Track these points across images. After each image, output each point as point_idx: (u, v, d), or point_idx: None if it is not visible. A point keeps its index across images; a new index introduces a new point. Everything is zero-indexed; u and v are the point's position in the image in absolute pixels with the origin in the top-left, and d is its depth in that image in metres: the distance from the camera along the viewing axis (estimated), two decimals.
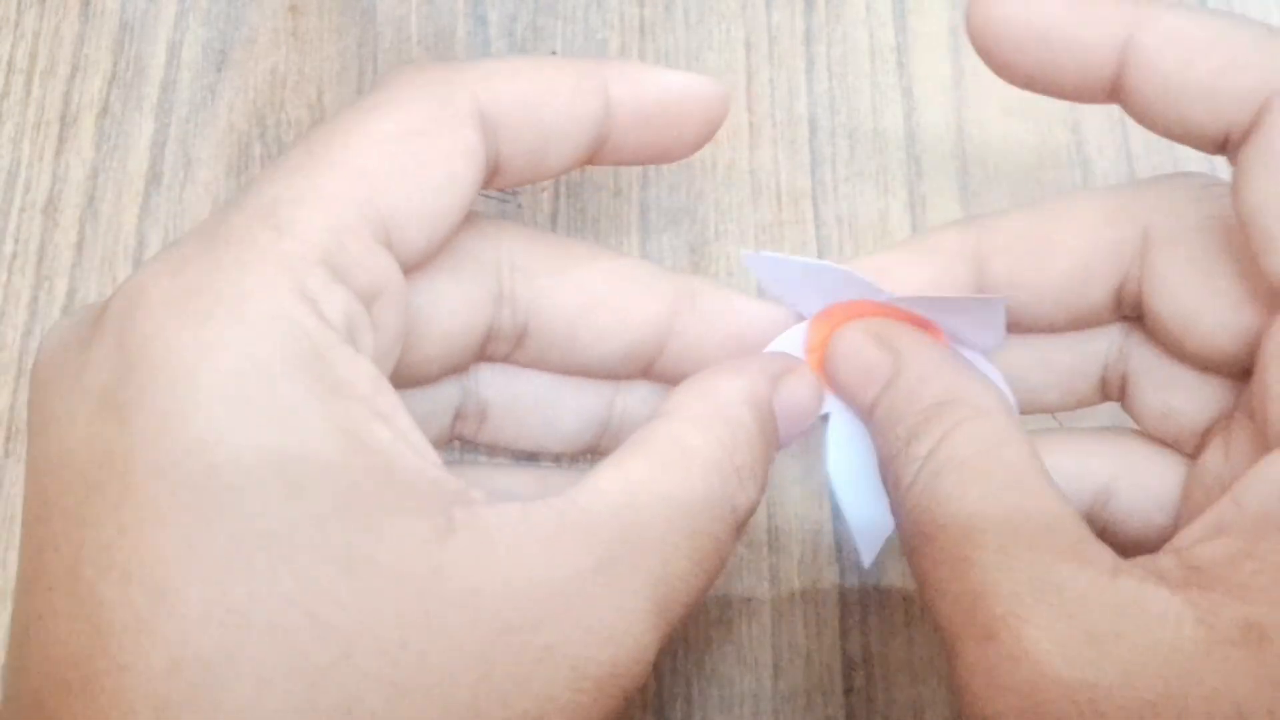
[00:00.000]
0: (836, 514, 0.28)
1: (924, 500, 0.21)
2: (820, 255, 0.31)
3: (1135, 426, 0.25)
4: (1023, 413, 0.25)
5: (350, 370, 0.19)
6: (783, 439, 0.24)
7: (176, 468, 0.18)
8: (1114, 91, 0.22)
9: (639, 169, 0.32)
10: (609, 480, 0.20)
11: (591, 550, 0.19)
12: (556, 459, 0.28)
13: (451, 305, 0.23)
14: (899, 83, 0.32)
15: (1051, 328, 0.25)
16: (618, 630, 0.19)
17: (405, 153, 0.21)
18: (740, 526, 0.22)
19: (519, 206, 0.31)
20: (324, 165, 0.20)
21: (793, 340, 0.25)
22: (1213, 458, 0.23)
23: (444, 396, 0.25)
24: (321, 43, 0.33)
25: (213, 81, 0.33)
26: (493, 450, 0.27)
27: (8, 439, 0.29)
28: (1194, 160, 0.32)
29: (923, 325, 0.25)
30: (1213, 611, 0.18)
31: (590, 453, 0.26)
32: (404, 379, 0.22)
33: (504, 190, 0.31)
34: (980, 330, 0.25)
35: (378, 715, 0.17)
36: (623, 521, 0.20)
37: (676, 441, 0.21)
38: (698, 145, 0.25)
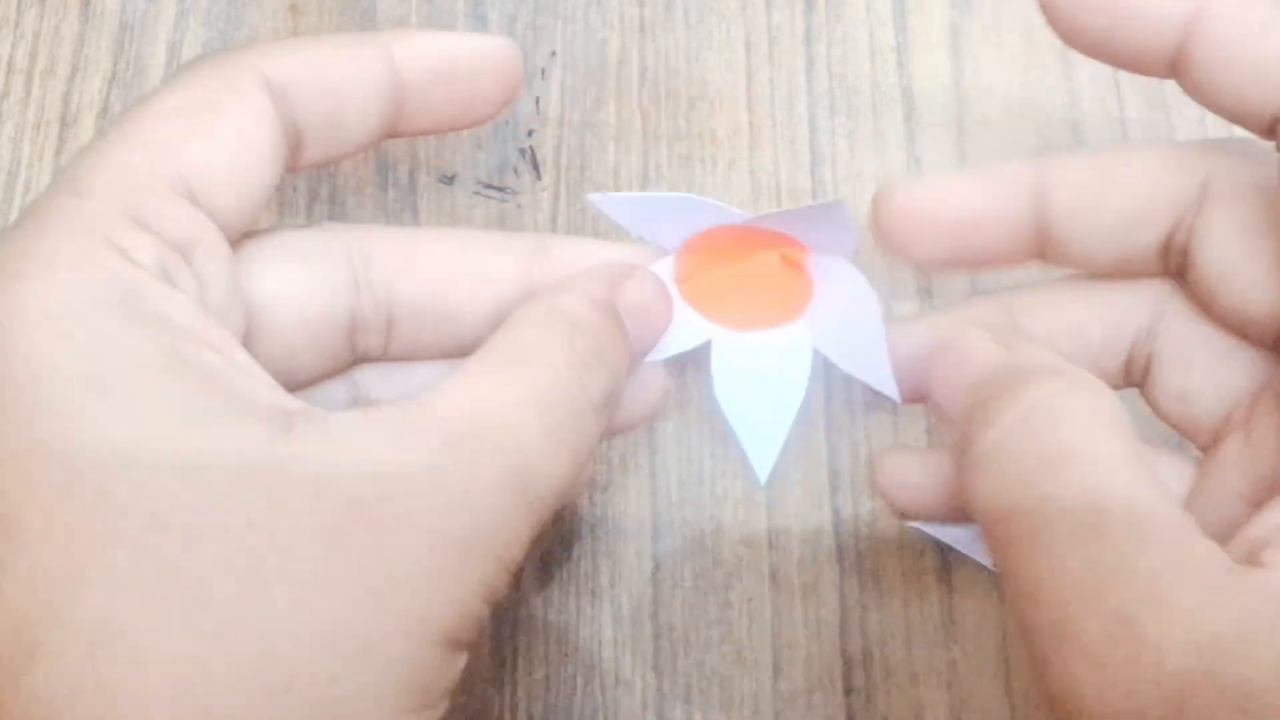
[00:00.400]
0: (730, 434, 0.27)
1: (1035, 480, 0.20)
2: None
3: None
4: None
5: (167, 304, 0.20)
6: (636, 338, 0.24)
7: (1, 410, 0.18)
8: (1174, 65, 0.22)
9: (639, 169, 0.32)
10: (452, 383, 0.21)
11: (438, 434, 0.20)
12: None
13: (305, 291, 0.23)
14: (899, 82, 0.32)
15: (1099, 267, 0.25)
16: (473, 497, 0.19)
17: (195, 119, 0.22)
18: (601, 409, 0.22)
19: (518, 206, 0.31)
20: (118, 139, 0.21)
21: (661, 274, 0.26)
22: (1231, 448, 0.23)
23: (332, 401, 0.25)
24: None
25: None
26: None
27: None
28: None
29: (783, 241, 0.26)
30: None
31: None
32: (282, 379, 0.23)
33: (503, 190, 0.31)
34: (836, 236, 0.26)
35: (232, 598, 0.17)
36: (469, 407, 0.20)
37: (514, 341, 0.22)
38: (497, 104, 0.25)
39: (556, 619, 0.28)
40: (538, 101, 0.32)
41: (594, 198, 0.26)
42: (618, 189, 0.31)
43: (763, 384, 0.26)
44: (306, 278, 0.24)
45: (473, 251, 0.25)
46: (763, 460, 0.26)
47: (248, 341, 0.22)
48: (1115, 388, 0.25)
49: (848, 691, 0.27)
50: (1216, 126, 0.32)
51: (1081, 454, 0.20)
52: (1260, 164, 0.23)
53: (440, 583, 0.19)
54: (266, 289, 0.23)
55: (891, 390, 0.25)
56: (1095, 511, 0.19)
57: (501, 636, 0.28)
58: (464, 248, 0.25)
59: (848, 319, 0.26)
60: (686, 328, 0.26)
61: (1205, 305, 0.24)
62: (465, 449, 0.20)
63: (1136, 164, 0.24)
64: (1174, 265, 0.24)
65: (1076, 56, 0.33)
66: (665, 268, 0.27)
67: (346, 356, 0.25)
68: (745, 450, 0.26)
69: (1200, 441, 0.24)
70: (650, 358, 0.26)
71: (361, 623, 0.18)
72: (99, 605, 0.17)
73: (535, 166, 0.32)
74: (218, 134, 0.22)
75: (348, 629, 0.18)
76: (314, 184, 0.32)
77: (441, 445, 0.19)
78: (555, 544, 0.28)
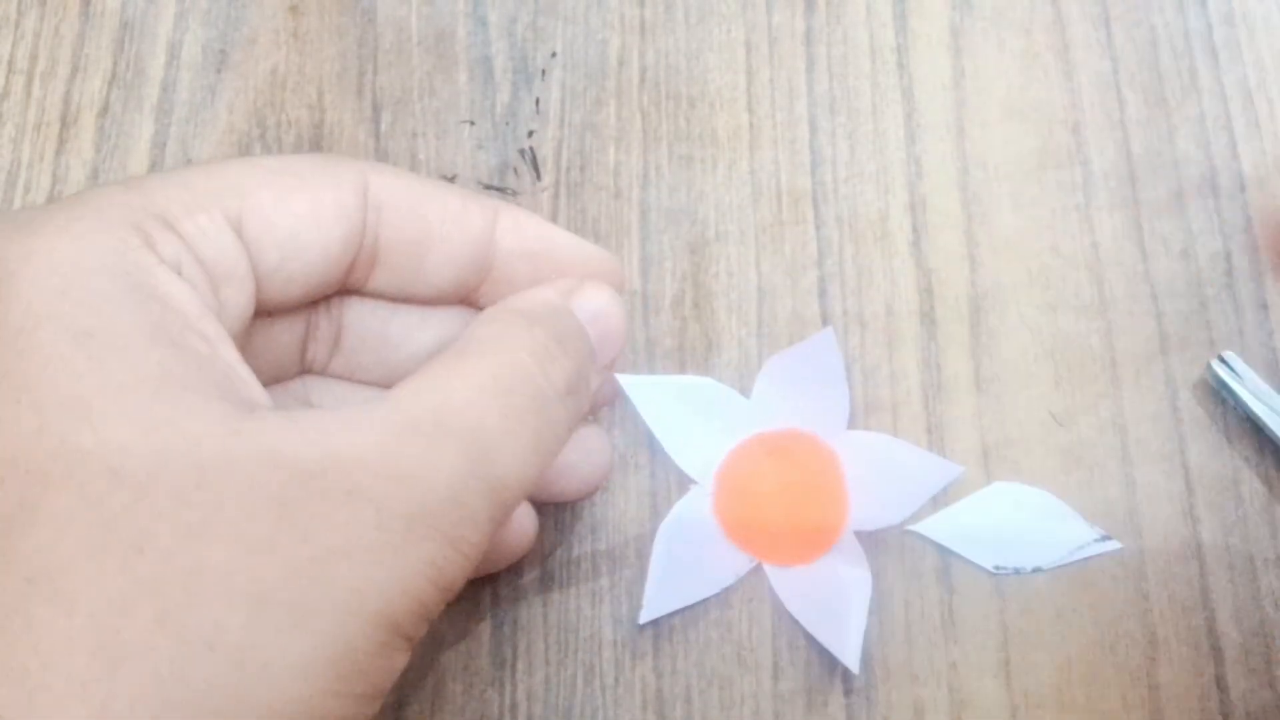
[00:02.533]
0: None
1: None
2: (820, 256, 0.31)
3: None
4: None
5: (170, 287, 0.20)
6: (596, 344, 0.24)
7: None
8: None
9: (639, 170, 0.32)
10: (411, 378, 0.21)
11: (395, 418, 0.20)
12: None
13: (323, 223, 0.23)
14: (899, 83, 0.32)
15: None
16: (424, 477, 0.19)
17: (281, 180, 0.22)
18: (567, 397, 0.22)
19: (519, 207, 0.31)
20: (202, 166, 0.22)
21: (699, 506, 0.28)
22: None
23: (291, 324, 0.25)
24: (321, 43, 0.33)
25: (213, 82, 0.33)
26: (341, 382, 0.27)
27: None
28: (1194, 161, 0.32)
29: (812, 449, 0.28)
30: None
31: None
32: (275, 301, 0.23)
33: (503, 190, 0.31)
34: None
35: (170, 551, 0.18)
36: (430, 399, 0.20)
37: (472, 335, 0.22)
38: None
39: (556, 619, 0.28)
40: (538, 101, 0.32)
41: (621, 379, 0.27)
42: (618, 189, 0.31)
43: (691, 560, 0.27)
44: (330, 213, 0.23)
45: (453, 204, 0.25)
46: (651, 607, 0.27)
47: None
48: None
49: (848, 691, 0.27)
50: (1216, 125, 0.32)
51: None
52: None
53: (382, 557, 0.19)
54: (296, 213, 0.23)
55: (854, 663, 0.27)
56: None
57: (501, 636, 0.28)
58: (445, 199, 0.25)
59: (836, 597, 0.28)
60: (734, 560, 0.28)
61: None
62: (420, 432, 0.20)
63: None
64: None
65: (1077, 57, 0.33)
66: (703, 497, 0.28)
67: (337, 287, 0.25)
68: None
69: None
70: (701, 594, 0.27)
71: (294, 590, 0.18)
72: (42, 544, 0.17)
73: (535, 166, 0.32)
74: (292, 198, 0.22)
75: (279, 595, 0.18)
76: None
77: (397, 428, 0.20)
78: (556, 544, 0.28)
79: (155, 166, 0.32)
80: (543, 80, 0.32)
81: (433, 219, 0.24)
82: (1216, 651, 0.27)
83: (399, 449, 0.19)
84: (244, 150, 0.32)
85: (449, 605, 0.28)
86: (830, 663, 0.27)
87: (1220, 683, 0.27)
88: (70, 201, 0.21)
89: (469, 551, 0.20)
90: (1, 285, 0.19)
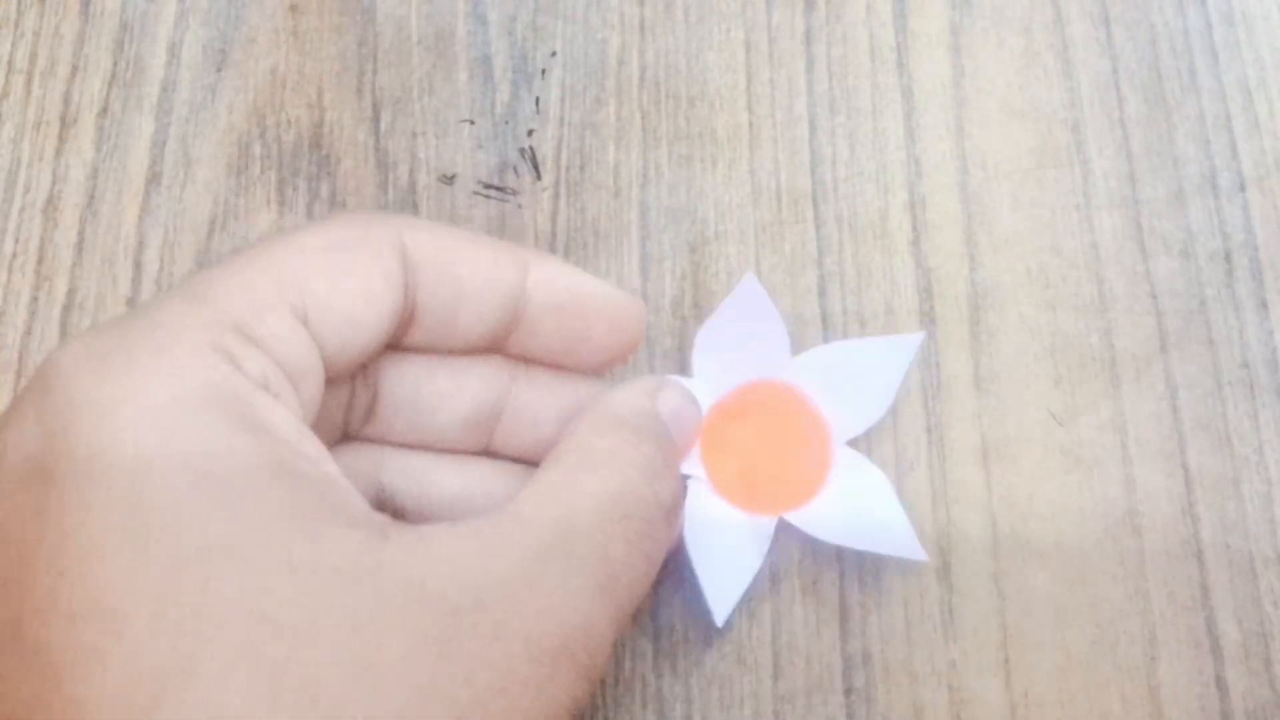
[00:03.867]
0: (690, 573, 0.28)
1: None
2: (820, 255, 0.31)
3: None
4: None
5: (270, 414, 0.20)
6: (678, 439, 0.25)
7: (108, 501, 0.18)
8: None
9: (639, 169, 0.32)
10: (532, 490, 0.21)
11: (528, 542, 0.20)
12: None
13: (375, 298, 0.23)
14: (899, 83, 0.32)
15: None
16: (564, 606, 0.20)
17: (329, 260, 0.22)
18: (670, 514, 0.23)
19: (519, 206, 0.31)
20: (249, 258, 0.22)
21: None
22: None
23: (335, 395, 0.25)
24: (321, 43, 0.33)
25: (213, 81, 0.33)
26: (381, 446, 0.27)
27: None
28: (1194, 161, 0.32)
29: (814, 422, 0.28)
30: None
31: (484, 453, 0.27)
32: (333, 380, 0.23)
33: (503, 190, 0.31)
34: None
35: (344, 699, 0.17)
36: (554, 516, 0.21)
37: (586, 447, 0.23)
38: (610, 356, 0.26)
39: None
40: (538, 101, 0.32)
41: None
42: (618, 189, 0.31)
43: (726, 545, 0.27)
44: (376, 285, 0.23)
45: (486, 256, 0.25)
46: (720, 607, 0.27)
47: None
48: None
49: (848, 691, 0.27)
50: (1216, 125, 0.32)
51: None
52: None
53: (534, 692, 0.19)
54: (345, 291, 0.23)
55: (919, 552, 0.27)
56: None
57: None
58: (479, 252, 0.25)
59: (864, 505, 0.28)
60: (759, 526, 0.28)
61: None
62: (555, 554, 0.20)
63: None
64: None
65: (1076, 56, 0.33)
66: (701, 485, 0.28)
67: (378, 353, 0.25)
68: (705, 592, 0.27)
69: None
70: (754, 570, 0.27)
71: None
72: (207, 698, 0.17)
73: (535, 166, 0.32)
74: (344, 278, 0.22)
75: None
76: (314, 183, 0.32)
77: (533, 554, 0.20)
78: None
79: (155, 166, 0.32)
80: (543, 79, 0.32)
81: (465, 275, 0.24)
82: (1216, 651, 0.27)
83: (538, 578, 0.20)
84: (244, 149, 0.32)
85: None
86: (830, 663, 0.27)
87: (1220, 682, 0.27)
88: (144, 324, 0.20)
89: (597, 679, 0.20)
90: (101, 428, 0.18)
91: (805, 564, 0.28)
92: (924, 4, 0.33)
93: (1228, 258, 0.31)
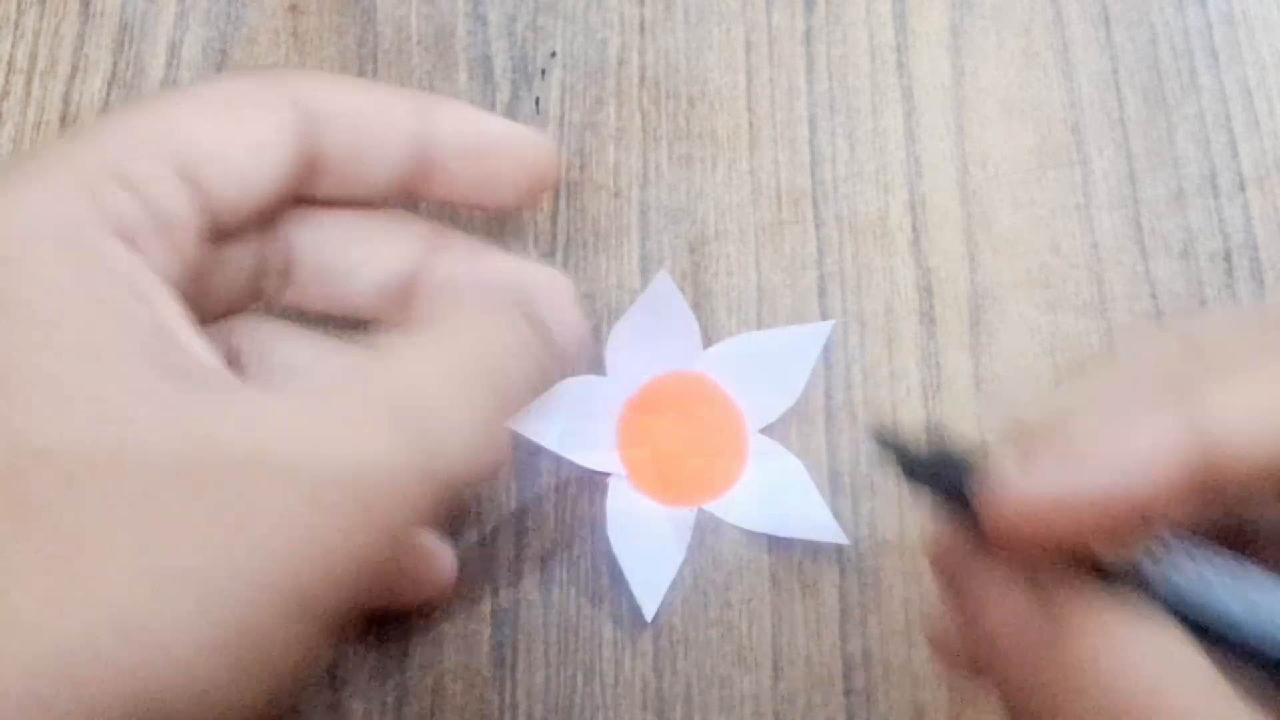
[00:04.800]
0: (615, 572, 0.28)
1: None
2: (820, 255, 0.31)
3: None
4: None
5: (111, 249, 0.20)
6: (559, 335, 0.25)
7: None
8: None
9: (639, 169, 0.31)
10: (365, 352, 0.21)
11: (337, 397, 0.20)
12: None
13: (268, 150, 0.23)
14: (899, 83, 0.32)
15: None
16: (362, 457, 0.19)
17: (214, 110, 0.22)
18: (531, 386, 0.23)
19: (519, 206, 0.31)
20: (137, 107, 0.22)
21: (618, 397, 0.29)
22: None
23: (242, 254, 0.25)
24: (321, 43, 0.33)
25: None
26: (296, 315, 0.27)
27: None
28: (1194, 161, 0.32)
29: (730, 414, 0.29)
30: None
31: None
32: (226, 230, 0.23)
33: None
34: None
35: (87, 532, 0.18)
36: (377, 378, 0.20)
37: (435, 311, 0.23)
38: (521, 193, 0.26)
39: (556, 619, 0.28)
40: (538, 101, 0.32)
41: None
42: (617, 189, 0.31)
43: (649, 540, 0.28)
44: (268, 134, 0.23)
45: (386, 100, 0.25)
46: (648, 601, 0.27)
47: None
48: None
49: (848, 692, 0.27)
50: (1215, 125, 0.32)
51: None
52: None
53: (298, 535, 0.18)
54: (235, 144, 0.23)
55: (839, 535, 0.28)
56: None
57: (501, 636, 0.28)
58: (379, 98, 0.25)
59: (781, 491, 0.28)
60: (604, 453, 0.28)
61: None
62: (364, 414, 0.20)
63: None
64: None
65: (1076, 56, 0.33)
66: (621, 483, 0.29)
67: (282, 207, 0.25)
68: (632, 587, 0.27)
69: None
70: (676, 562, 0.28)
71: (199, 569, 0.18)
72: None
73: None
74: (232, 129, 0.22)
75: (182, 573, 0.18)
76: None
77: (338, 408, 0.20)
78: (556, 544, 0.28)
79: None
80: (543, 80, 0.32)
81: (366, 122, 0.24)
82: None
83: (337, 430, 0.19)
84: None
85: (448, 604, 0.28)
86: (830, 663, 0.27)
87: None
88: (29, 158, 0.21)
89: (395, 536, 0.20)
90: None
91: (805, 564, 0.28)
92: (924, 4, 0.33)
93: (1228, 258, 0.31)
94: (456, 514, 0.28)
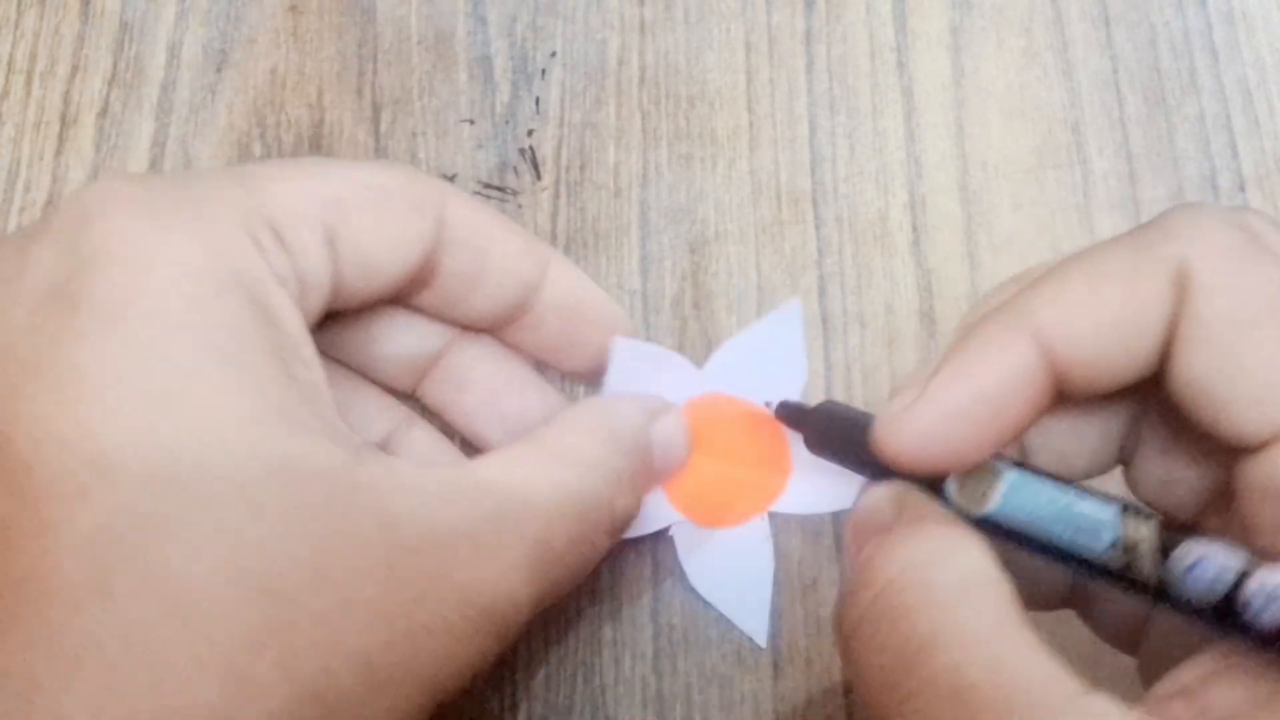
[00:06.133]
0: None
1: (898, 673, 0.18)
2: (820, 255, 0.31)
3: None
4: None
5: (283, 310, 0.21)
6: (659, 466, 0.26)
7: (125, 352, 0.19)
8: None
9: (639, 169, 0.32)
10: (502, 459, 0.22)
11: (485, 504, 0.21)
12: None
13: (403, 249, 0.24)
14: (899, 83, 0.32)
15: (1104, 390, 0.21)
16: (501, 576, 0.21)
17: (374, 206, 0.23)
18: (615, 530, 0.24)
19: (519, 206, 0.31)
20: (302, 168, 0.23)
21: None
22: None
23: None
24: (321, 43, 0.33)
25: (213, 81, 0.33)
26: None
27: None
28: (1194, 161, 0.32)
29: (762, 423, 0.28)
30: None
31: (409, 395, 0.28)
32: (334, 308, 0.24)
33: (503, 190, 0.31)
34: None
35: (298, 593, 0.18)
36: (513, 490, 0.22)
37: (567, 442, 0.23)
38: (596, 365, 0.27)
39: (557, 619, 0.28)
40: (538, 101, 0.32)
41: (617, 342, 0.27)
42: (618, 189, 0.31)
43: (733, 570, 0.28)
44: (408, 233, 0.24)
45: (510, 241, 0.26)
46: (757, 628, 0.27)
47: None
48: (1107, 468, 0.23)
49: (848, 691, 0.27)
50: (1215, 124, 0.32)
51: (942, 640, 0.18)
52: (1232, 228, 0.19)
53: (457, 642, 0.20)
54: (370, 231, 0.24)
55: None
56: (960, 699, 0.17)
57: None
58: (506, 240, 0.26)
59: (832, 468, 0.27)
60: (656, 510, 0.28)
61: (1183, 409, 0.20)
62: (504, 523, 0.21)
63: (1115, 275, 0.20)
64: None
65: (1076, 56, 0.33)
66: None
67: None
68: (738, 625, 0.27)
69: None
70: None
71: (392, 659, 0.19)
72: (174, 560, 0.18)
73: (535, 166, 0.32)
74: (380, 220, 0.23)
75: (380, 660, 0.19)
76: None
77: (486, 515, 0.21)
78: None
79: (155, 166, 0.32)
80: (542, 79, 0.32)
81: (493, 256, 0.25)
82: None
83: (485, 542, 0.21)
84: (243, 150, 0.32)
85: None
86: (830, 663, 0.27)
87: None
88: (193, 193, 0.21)
89: (504, 648, 0.21)
90: (134, 280, 0.19)
91: (805, 564, 0.28)
92: (924, 4, 0.33)
93: None
94: None
